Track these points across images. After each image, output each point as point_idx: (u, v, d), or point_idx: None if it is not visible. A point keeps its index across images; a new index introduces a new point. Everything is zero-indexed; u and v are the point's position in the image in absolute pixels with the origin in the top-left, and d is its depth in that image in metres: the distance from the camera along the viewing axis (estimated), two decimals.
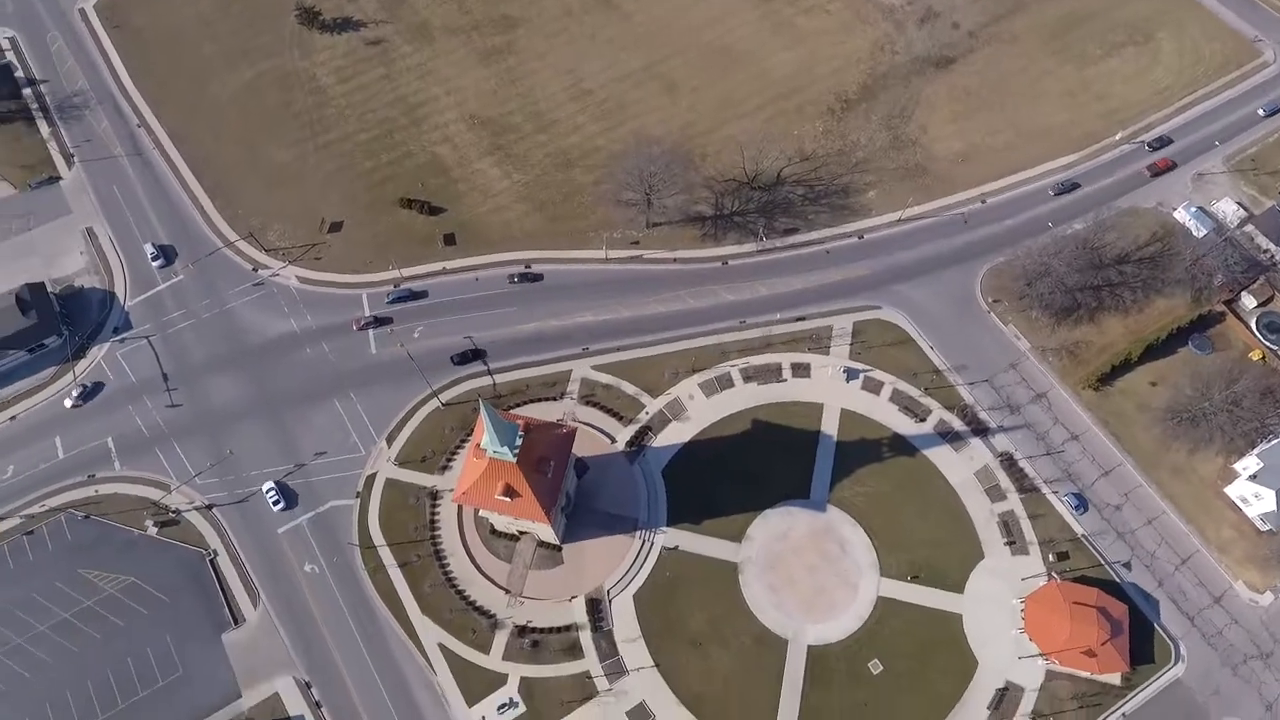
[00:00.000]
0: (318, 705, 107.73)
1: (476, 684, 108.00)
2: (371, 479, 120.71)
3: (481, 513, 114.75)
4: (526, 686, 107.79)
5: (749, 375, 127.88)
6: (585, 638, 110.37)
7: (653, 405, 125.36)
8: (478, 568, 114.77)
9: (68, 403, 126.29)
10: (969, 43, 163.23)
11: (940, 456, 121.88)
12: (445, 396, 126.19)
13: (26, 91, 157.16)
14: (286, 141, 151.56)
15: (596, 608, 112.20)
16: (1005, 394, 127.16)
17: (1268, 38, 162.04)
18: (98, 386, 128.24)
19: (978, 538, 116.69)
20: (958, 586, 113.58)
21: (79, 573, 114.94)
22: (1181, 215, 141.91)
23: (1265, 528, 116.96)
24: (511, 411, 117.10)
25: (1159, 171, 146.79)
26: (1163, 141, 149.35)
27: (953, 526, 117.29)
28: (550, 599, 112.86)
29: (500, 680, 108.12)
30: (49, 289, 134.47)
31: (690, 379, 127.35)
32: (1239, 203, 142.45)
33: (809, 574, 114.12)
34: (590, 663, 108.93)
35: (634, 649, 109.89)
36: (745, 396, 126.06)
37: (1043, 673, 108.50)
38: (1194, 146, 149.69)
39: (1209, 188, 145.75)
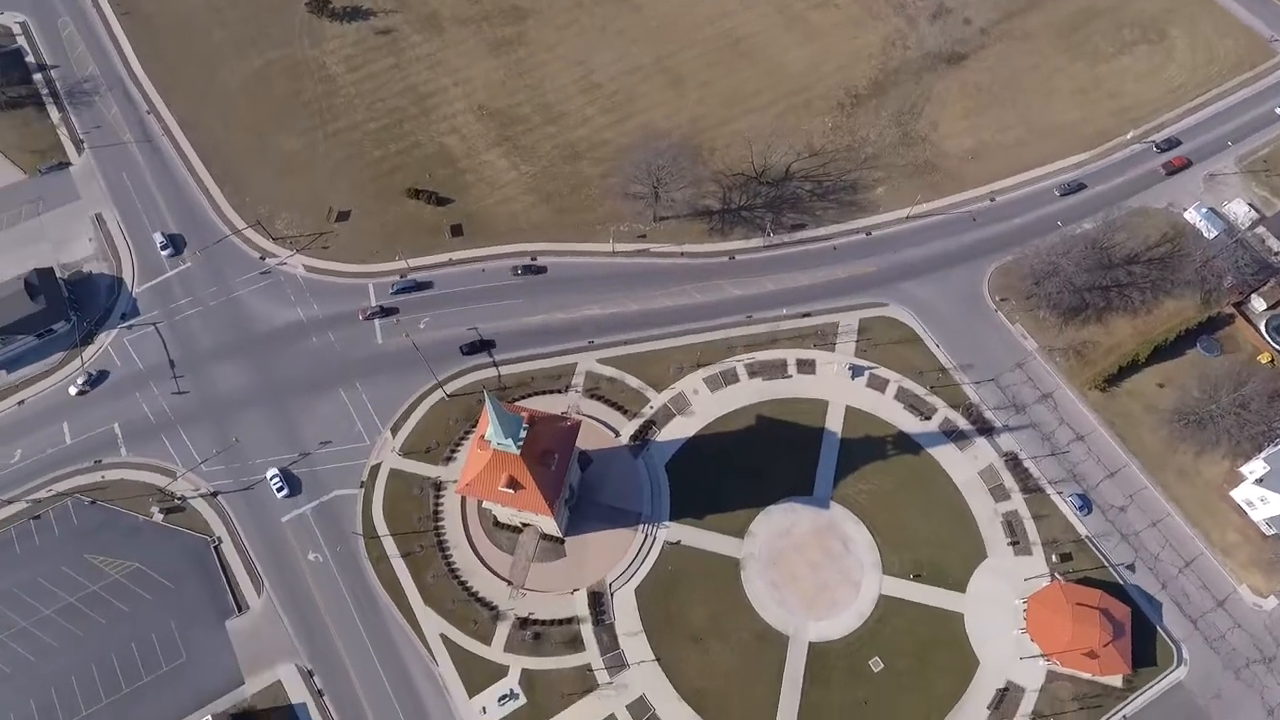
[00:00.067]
0: (320, 694, 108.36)
1: (478, 675, 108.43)
2: (376, 469, 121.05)
3: (485, 504, 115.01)
4: (527, 678, 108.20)
5: (754, 371, 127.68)
6: (587, 631, 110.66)
7: (657, 399, 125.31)
8: (480, 559, 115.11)
9: (73, 390, 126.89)
10: (981, 39, 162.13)
11: (945, 455, 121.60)
12: (450, 388, 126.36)
13: (37, 77, 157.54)
14: (295, 130, 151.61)
15: (598, 601, 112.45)
16: (1011, 393, 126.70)
17: None
18: (103, 375, 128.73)
19: (981, 537, 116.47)
20: (960, 586, 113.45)
21: (85, 558, 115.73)
22: (1192, 216, 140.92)
23: (1271, 532, 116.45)
24: (516, 404, 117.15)
25: (1174, 169, 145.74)
26: (1171, 143, 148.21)
27: (956, 526, 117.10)
28: (552, 591, 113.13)
29: (501, 671, 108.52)
30: (58, 274, 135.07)
31: (695, 373, 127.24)
32: (1250, 204, 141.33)
33: (811, 571, 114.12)
34: (591, 656, 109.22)
35: (635, 643, 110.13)
36: (750, 392, 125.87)
37: (1044, 673, 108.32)
38: (1206, 146, 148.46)
39: (1220, 189, 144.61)
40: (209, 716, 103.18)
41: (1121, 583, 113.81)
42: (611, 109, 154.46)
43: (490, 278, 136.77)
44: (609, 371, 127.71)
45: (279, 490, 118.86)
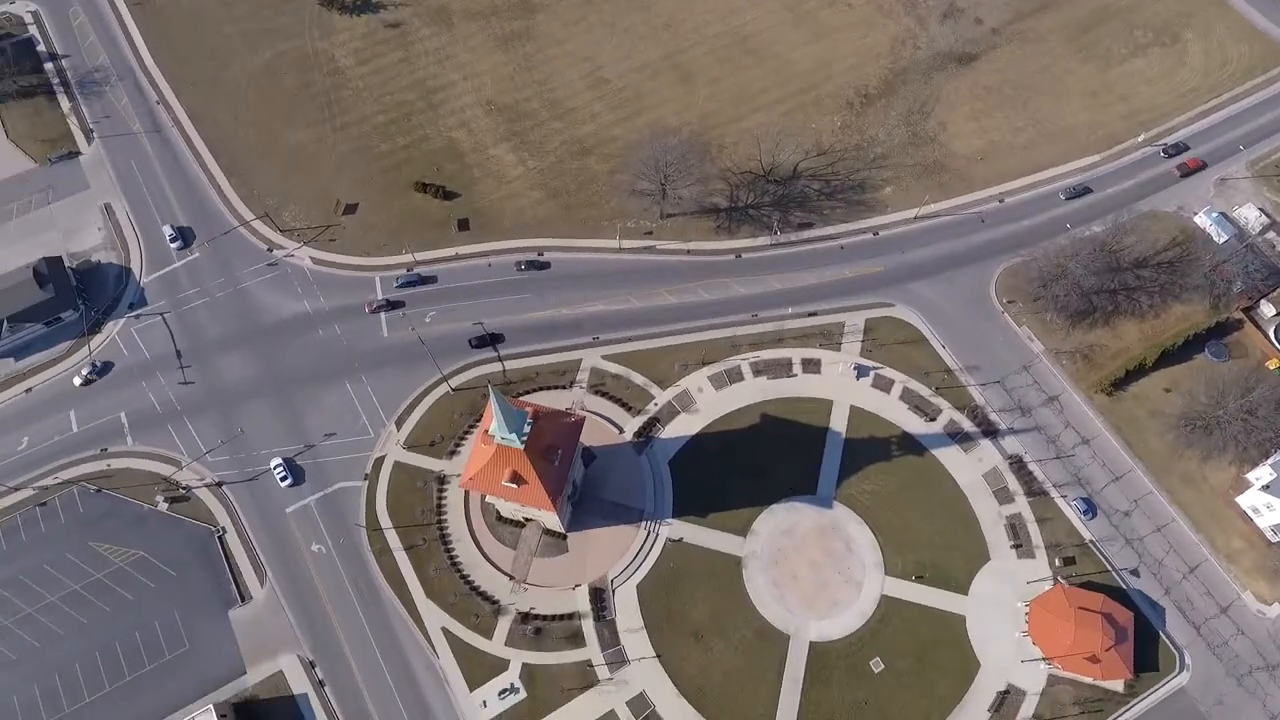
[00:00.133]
0: (321, 684, 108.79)
1: (478, 668, 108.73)
2: (380, 462, 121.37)
3: (488, 498, 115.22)
4: (528, 673, 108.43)
5: (759, 369, 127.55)
6: (588, 626, 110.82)
7: (662, 396, 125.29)
8: (483, 553, 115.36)
9: (77, 380, 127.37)
10: (992, 39, 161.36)
11: (949, 457, 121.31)
12: (455, 382, 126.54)
13: (48, 66, 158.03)
14: (304, 122, 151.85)
15: (600, 597, 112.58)
16: (1017, 396, 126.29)
17: None
18: (107, 366, 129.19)
19: (984, 539, 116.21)
20: (962, 588, 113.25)
21: (89, 545, 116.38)
22: (1202, 220, 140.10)
23: (1276, 539, 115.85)
24: (521, 399, 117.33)
25: (1189, 171, 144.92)
26: (1179, 149, 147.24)
27: (959, 527, 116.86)
28: (554, 586, 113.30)
29: (502, 665, 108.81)
30: (66, 263, 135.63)
31: (700, 371, 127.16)
32: (1261, 209, 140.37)
33: (813, 570, 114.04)
34: (592, 651, 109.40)
35: (636, 639, 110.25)
36: (755, 390, 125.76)
37: (1045, 677, 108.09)
38: (1218, 151, 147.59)
39: (1231, 193, 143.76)
40: (211, 705, 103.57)
41: (1125, 587, 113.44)
42: (620, 105, 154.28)
43: (496, 273, 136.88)
44: (614, 368, 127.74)
45: (282, 479, 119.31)
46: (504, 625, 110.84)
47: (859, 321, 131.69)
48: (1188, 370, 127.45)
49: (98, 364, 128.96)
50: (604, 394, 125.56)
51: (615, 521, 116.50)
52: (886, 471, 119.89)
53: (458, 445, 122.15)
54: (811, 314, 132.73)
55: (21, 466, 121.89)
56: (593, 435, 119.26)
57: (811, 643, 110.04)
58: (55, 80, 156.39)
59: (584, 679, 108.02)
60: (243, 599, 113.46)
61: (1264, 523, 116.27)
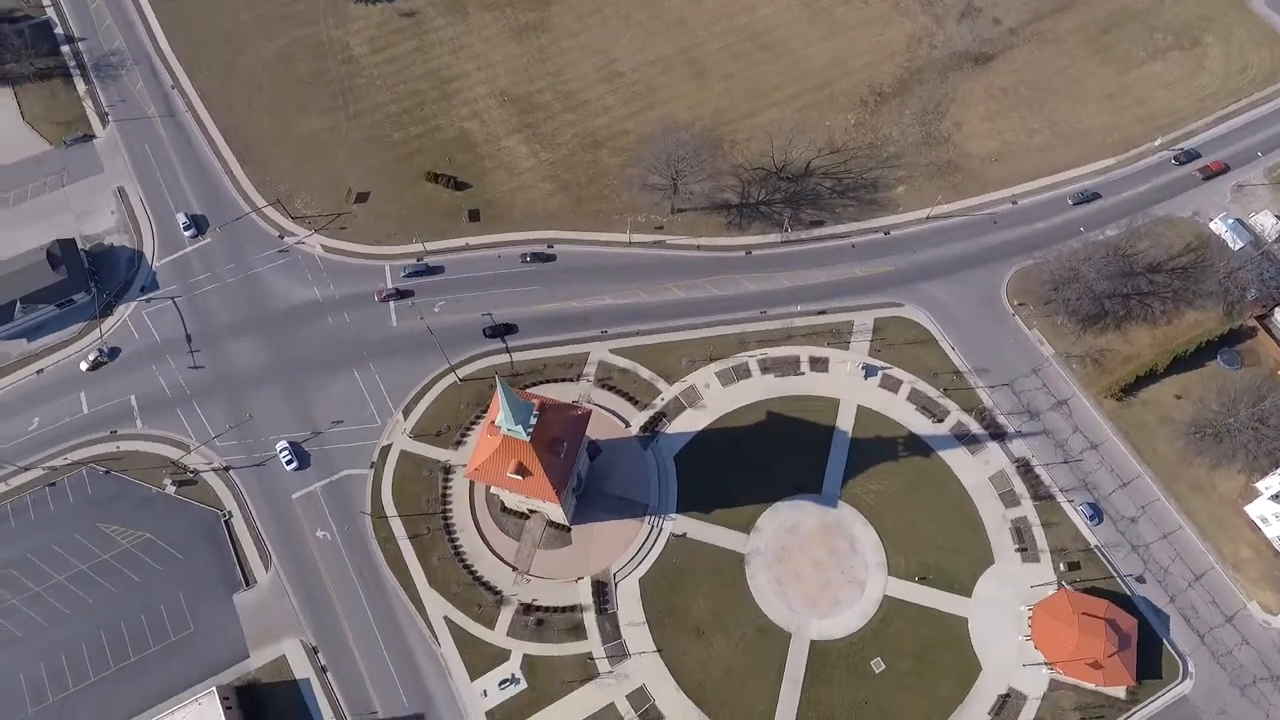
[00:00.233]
0: (323, 669, 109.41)
1: (480, 658, 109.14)
2: (386, 450, 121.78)
3: (493, 489, 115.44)
4: (529, 664, 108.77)
5: (767, 366, 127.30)
6: (589, 619, 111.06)
7: (668, 391, 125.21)
8: (486, 544, 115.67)
9: (84, 365, 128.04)
10: (1009, 40, 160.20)
11: (956, 458, 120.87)
12: (463, 372, 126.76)
13: (65, 49, 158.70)
14: (317, 110, 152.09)
15: (602, 590, 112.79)
16: (1025, 399, 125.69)
17: None
18: (114, 352, 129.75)
19: (989, 542, 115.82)
20: (965, 590, 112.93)
21: (98, 526, 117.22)
22: (1218, 226, 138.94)
23: None
24: (527, 390, 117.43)
25: (1211, 174, 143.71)
26: (1190, 155, 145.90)
27: (964, 530, 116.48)
28: (557, 579, 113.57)
29: (503, 656, 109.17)
30: (79, 245, 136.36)
31: (707, 367, 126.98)
32: (1278, 216, 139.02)
33: (816, 569, 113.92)
34: (593, 644, 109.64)
35: (637, 633, 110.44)
36: (762, 388, 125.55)
37: (1047, 682, 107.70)
38: (1235, 157, 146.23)
39: (1248, 199, 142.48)
40: (214, 688, 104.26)
41: (1129, 594, 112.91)
42: (632, 99, 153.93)
43: (505, 264, 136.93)
44: (621, 362, 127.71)
45: (288, 463, 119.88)
46: (506, 616, 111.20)
47: (868, 321, 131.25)
48: (1199, 377, 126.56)
49: (105, 348, 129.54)
50: (611, 388, 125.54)
51: (619, 515, 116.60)
52: (892, 471, 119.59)
53: (464, 435, 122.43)
54: (821, 312, 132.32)
55: (32, 447, 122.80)
56: (599, 428, 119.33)
57: (813, 641, 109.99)
58: (71, 63, 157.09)
59: (584, 671, 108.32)
60: (247, 583, 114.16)
61: (1272, 532, 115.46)
